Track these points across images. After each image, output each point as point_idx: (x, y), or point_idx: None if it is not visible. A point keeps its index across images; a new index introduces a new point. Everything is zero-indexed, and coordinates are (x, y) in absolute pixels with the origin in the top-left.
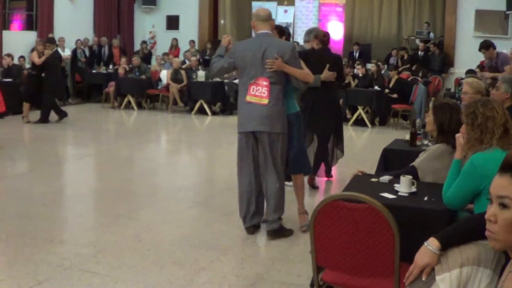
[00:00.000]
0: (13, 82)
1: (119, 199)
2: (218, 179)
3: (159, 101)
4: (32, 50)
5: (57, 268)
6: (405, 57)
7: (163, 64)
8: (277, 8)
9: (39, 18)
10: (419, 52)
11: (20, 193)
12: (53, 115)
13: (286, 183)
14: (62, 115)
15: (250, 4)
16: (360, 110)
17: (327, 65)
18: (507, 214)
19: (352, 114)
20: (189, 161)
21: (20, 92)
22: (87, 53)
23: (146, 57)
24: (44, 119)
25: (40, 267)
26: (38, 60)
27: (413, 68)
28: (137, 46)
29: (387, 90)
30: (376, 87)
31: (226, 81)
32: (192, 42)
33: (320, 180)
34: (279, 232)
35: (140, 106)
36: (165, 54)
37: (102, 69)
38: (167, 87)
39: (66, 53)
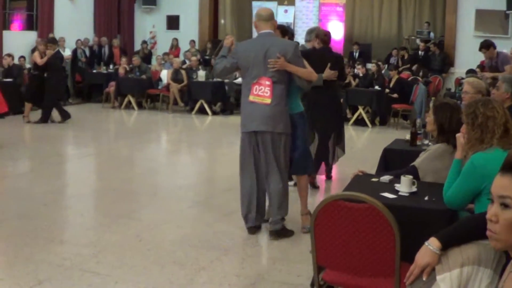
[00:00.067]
0: (13, 82)
1: (120, 199)
2: (219, 179)
3: (159, 101)
4: (33, 50)
5: (57, 268)
6: (406, 57)
7: (164, 64)
8: (277, 8)
9: (40, 18)
10: (420, 52)
11: (20, 192)
12: (56, 116)
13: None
14: (65, 116)
15: (251, 4)
16: (360, 110)
17: (329, 64)
18: (508, 214)
19: (353, 114)
20: (190, 161)
21: (20, 92)
22: (88, 53)
23: (147, 57)
24: (44, 119)
25: (41, 266)
26: (40, 61)
27: (414, 68)
28: (137, 46)
29: (387, 90)
30: (377, 87)
31: (226, 81)
32: (192, 42)
33: (321, 180)
34: (282, 233)
35: (140, 106)
36: (165, 54)
37: (103, 69)
38: (167, 87)
39: (67, 53)
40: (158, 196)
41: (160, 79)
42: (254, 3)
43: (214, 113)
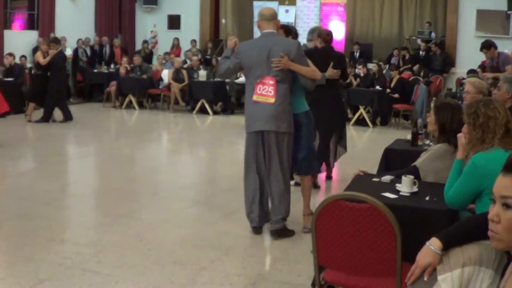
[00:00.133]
0: (14, 82)
1: (120, 199)
2: (220, 179)
3: (160, 100)
4: (34, 49)
5: (58, 267)
6: (407, 57)
7: (165, 63)
8: (279, 8)
9: (41, 18)
10: (421, 52)
11: (21, 192)
12: (57, 115)
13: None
14: (68, 116)
15: (252, 4)
16: (361, 110)
17: (332, 63)
18: (510, 214)
19: (354, 114)
20: (191, 161)
21: (22, 92)
22: (89, 52)
23: (148, 57)
24: (46, 119)
25: (41, 266)
26: (43, 60)
27: (415, 68)
28: (138, 46)
29: (388, 90)
30: (378, 87)
31: (227, 80)
32: (193, 41)
33: (322, 180)
34: (282, 233)
35: (141, 106)
36: (166, 53)
37: (104, 69)
38: (168, 87)
39: (68, 52)
40: (159, 196)
41: (161, 79)
42: (255, 3)
43: (215, 112)
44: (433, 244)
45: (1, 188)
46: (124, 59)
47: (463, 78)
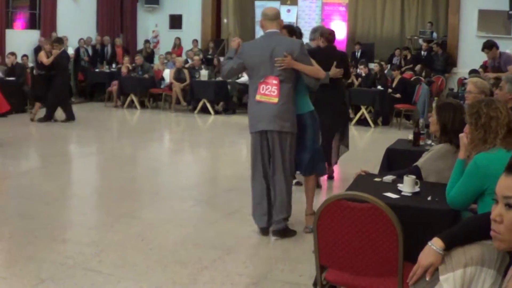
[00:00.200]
0: (16, 81)
1: (122, 198)
2: (221, 178)
3: (162, 100)
4: (36, 49)
5: (60, 266)
6: (408, 57)
7: (166, 63)
8: (280, 8)
9: (42, 17)
10: (422, 52)
11: (23, 191)
12: (59, 115)
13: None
14: (70, 116)
15: (253, 3)
16: (363, 110)
17: (335, 62)
18: None
19: (355, 114)
20: (192, 160)
21: (23, 91)
22: (90, 52)
23: (149, 56)
24: (48, 118)
25: (43, 265)
26: (46, 60)
27: (416, 68)
28: (140, 45)
29: (390, 90)
30: (379, 87)
31: (229, 80)
32: (195, 41)
33: (323, 179)
34: (284, 233)
35: (143, 105)
36: (168, 53)
37: (105, 68)
38: (170, 86)
39: (69, 52)
40: (161, 195)
41: (162, 78)
42: (256, 3)
43: (217, 112)
44: (435, 244)
45: (2, 188)
46: (126, 58)
47: (465, 78)
